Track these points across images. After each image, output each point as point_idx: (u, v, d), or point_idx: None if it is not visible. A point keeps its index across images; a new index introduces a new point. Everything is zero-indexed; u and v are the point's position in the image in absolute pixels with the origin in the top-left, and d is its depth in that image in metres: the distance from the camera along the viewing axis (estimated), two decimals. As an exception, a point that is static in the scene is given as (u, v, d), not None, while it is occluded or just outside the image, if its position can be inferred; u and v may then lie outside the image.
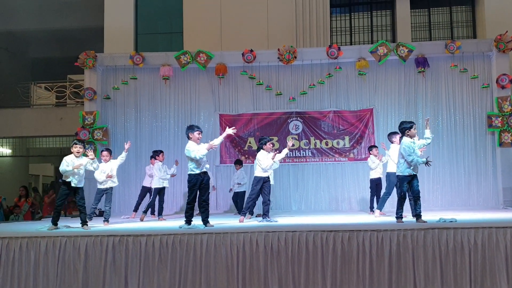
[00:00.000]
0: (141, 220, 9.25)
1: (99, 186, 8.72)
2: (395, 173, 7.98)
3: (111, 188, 8.71)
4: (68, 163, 7.28)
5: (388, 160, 9.05)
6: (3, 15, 16.61)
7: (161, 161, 9.66)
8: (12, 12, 16.57)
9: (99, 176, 8.56)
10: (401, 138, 7.46)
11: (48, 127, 15.18)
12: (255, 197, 8.39)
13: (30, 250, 6.19)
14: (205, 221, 7.20)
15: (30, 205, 12.65)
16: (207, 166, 7.49)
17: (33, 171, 20.55)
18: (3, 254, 6.20)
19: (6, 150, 17.85)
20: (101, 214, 9.55)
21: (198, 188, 7.26)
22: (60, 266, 6.14)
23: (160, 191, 9.57)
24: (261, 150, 8.47)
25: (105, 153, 8.88)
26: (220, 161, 11.78)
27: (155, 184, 9.57)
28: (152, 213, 10.01)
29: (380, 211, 8.89)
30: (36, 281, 6.15)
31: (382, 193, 9.17)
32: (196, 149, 7.19)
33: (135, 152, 11.58)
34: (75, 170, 7.29)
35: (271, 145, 8.72)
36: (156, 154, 9.80)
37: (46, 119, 15.27)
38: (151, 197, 9.70)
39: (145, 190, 10.20)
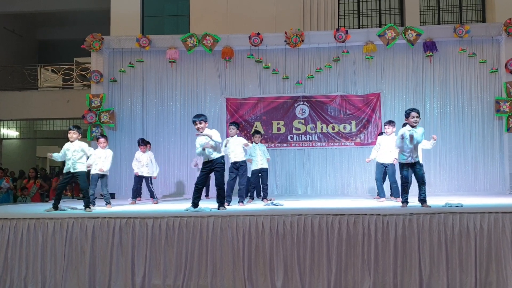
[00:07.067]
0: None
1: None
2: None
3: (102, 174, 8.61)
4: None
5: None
6: (10, -3, 16.60)
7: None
8: (19, -6, 16.56)
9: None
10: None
11: (55, 109, 15.27)
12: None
13: (38, 231, 6.23)
14: (218, 205, 7.24)
15: (39, 187, 12.73)
16: (213, 155, 7.24)
17: (41, 154, 20.67)
18: (11, 235, 6.24)
19: (14, 133, 17.95)
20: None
21: (207, 173, 7.41)
22: (68, 247, 6.18)
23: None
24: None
25: (102, 139, 8.78)
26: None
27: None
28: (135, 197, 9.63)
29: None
30: (44, 261, 6.20)
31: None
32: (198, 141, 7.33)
33: (142, 136, 11.54)
34: (67, 156, 7.34)
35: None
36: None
37: (53, 102, 15.36)
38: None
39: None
